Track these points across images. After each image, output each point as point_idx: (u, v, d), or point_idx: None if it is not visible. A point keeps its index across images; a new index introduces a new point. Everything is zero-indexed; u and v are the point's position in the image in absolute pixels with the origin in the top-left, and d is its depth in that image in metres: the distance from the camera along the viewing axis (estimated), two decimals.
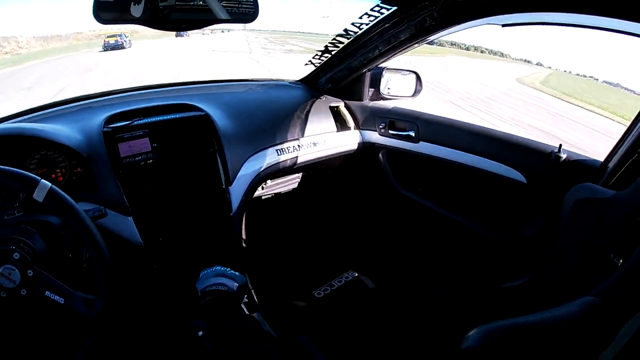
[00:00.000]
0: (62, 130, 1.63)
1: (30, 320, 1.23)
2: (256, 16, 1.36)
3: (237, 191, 1.87)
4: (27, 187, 1.04)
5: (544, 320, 0.79)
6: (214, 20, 1.32)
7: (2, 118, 1.84)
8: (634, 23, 1.29)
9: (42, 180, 1.05)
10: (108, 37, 30.03)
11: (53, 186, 1.06)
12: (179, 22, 1.30)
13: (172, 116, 1.82)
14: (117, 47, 29.20)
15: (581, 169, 1.68)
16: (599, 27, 1.43)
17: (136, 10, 1.19)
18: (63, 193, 1.07)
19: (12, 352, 1.30)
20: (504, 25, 1.68)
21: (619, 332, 0.71)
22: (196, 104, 1.92)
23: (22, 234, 1.11)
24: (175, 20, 1.28)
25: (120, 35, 29.92)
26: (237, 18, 1.36)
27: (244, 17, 1.35)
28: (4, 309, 1.08)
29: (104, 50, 28.65)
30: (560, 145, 1.71)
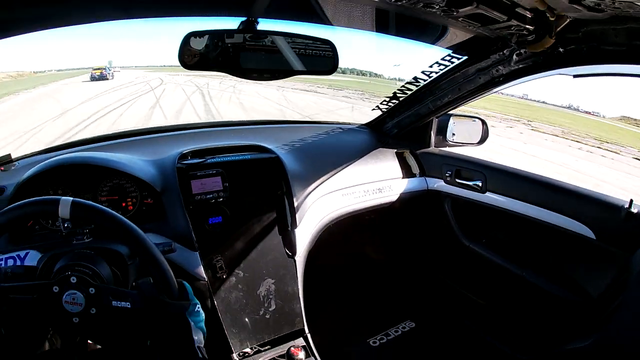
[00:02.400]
0: (136, 163, 1.70)
1: (113, 332, 1.23)
2: (335, 69, 1.40)
3: (302, 234, 1.88)
4: (51, 207, 1.05)
5: None
6: (294, 71, 1.35)
7: (78, 142, 1.97)
8: None
9: (63, 197, 1.06)
10: (94, 69, 33.78)
11: (76, 199, 1.06)
12: (260, 72, 1.36)
13: (244, 157, 1.87)
14: (102, 78, 32.83)
15: None
16: None
17: (210, 47, 1.25)
18: (89, 202, 1.08)
19: None
20: (575, 76, 1.69)
21: None
22: (267, 146, 1.97)
23: (86, 259, 1.13)
24: (256, 70, 1.35)
25: (104, 68, 33.62)
26: (316, 70, 1.41)
27: (322, 69, 1.40)
28: (85, 331, 1.13)
29: (91, 81, 32.08)
30: (631, 200, 1.64)
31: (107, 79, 32.90)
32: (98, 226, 1.18)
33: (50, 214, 1.06)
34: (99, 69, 33.60)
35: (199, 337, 1.15)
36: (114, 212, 1.09)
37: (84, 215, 1.08)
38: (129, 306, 1.05)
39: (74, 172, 1.58)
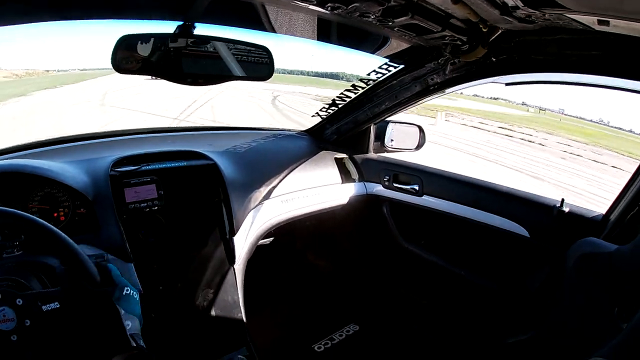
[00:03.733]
0: (68, 171, 1.62)
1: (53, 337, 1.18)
2: (271, 75, 1.40)
3: (241, 241, 1.85)
4: None
5: None
6: (230, 76, 1.34)
7: (6, 149, 1.83)
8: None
9: None
10: None
11: None
12: (195, 77, 1.33)
13: (180, 164, 1.82)
14: None
15: (583, 222, 1.70)
16: (598, 85, 1.51)
17: (145, 51, 1.23)
18: None
19: None
20: (507, 84, 1.76)
21: None
22: (204, 152, 1.92)
23: (16, 273, 1.07)
24: (192, 75, 1.32)
25: None
26: (252, 76, 1.39)
27: (259, 75, 1.40)
28: (23, 346, 1.06)
29: None
30: (563, 199, 1.73)
31: None
32: (6, 228, 1.11)
33: None
34: None
35: (132, 324, 1.07)
36: (9, 208, 1.03)
37: None
38: (58, 305, 0.99)
39: (2, 181, 1.48)
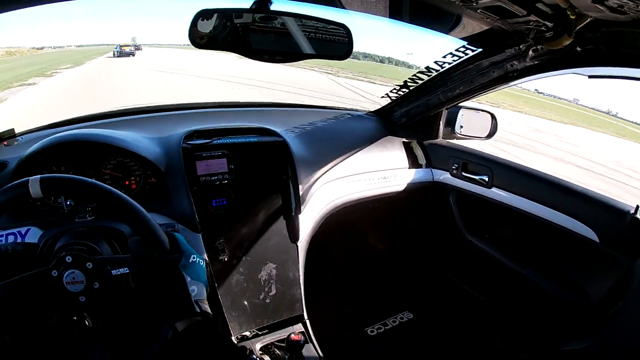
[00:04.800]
0: (141, 141, 1.68)
1: (121, 301, 1.21)
2: (349, 54, 1.37)
3: (306, 219, 1.88)
4: (22, 189, 1.01)
5: None
6: (307, 54, 1.33)
7: (81, 118, 1.95)
8: None
9: (32, 177, 1.02)
10: (123, 45, 34.85)
11: (43, 175, 1.02)
12: (273, 54, 1.32)
13: (251, 139, 1.85)
14: (130, 54, 34.21)
15: None
16: None
17: (224, 27, 1.23)
18: (56, 174, 1.08)
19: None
20: (590, 77, 1.66)
21: None
22: (274, 129, 1.95)
23: (87, 238, 1.12)
24: (269, 52, 1.31)
25: (132, 46, 34.90)
26: (330, 54, 1.38)
27: (336, 54, 1.37)
28: (91, 307, 1.12)
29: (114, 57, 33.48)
30: (638, 205, 1.62)
31: (134, 55, 33.91)
32: (81, 197, 1.17)
33: (24, 197, 1.03)
34: (126, 45, 34.44)
35: (198, 290, 1.10)
36: (85, 177, 1.06)
37: (56, 188, 1.05)
38: (127, 271, 1.04)
39: (77, 149, 1.56)
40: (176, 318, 1.01)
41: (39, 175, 1.02)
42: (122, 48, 34.02)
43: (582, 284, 1.85)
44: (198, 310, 1.05)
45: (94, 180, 1.06)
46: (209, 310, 1.09)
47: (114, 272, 1.03)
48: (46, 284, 1.00)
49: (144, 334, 1.31)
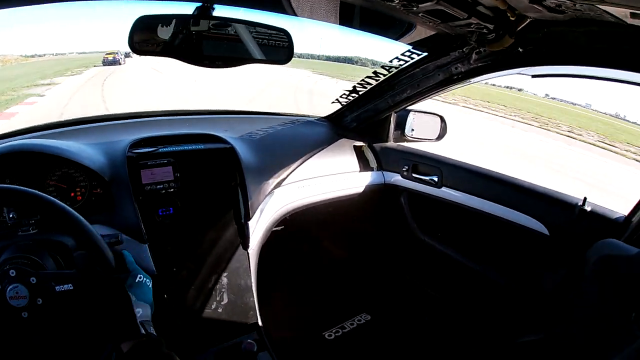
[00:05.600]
0: (85, 151, 1.63)
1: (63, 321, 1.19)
2: (290, 59, 1.38)
3: (256, 226, 1.85)
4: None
5: None
6: (248, 59, 1.33)
7: (27, 129, 1.86)
8: None
9: None
10: (107, 54, 32.58)
11: None
12: (213, 59, 1.31)
13: (197, 146, 1.82)
14: (115, 62, 31.74)
15: (604, 222, 1.65)
16: (627, 81, 1.46)
17: (163, 32, 1.22)
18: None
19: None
20: (534, 76, 1.70)
21: None
22: (221, 136, 1.92)
23: (30, 252, 1.08)
24: (210, 57, 1.30)
25: (116, 53, 32.37)
26: (271, 59, 1.37)
27: (277, 58, 1.37)
28: (33, 324, 1.07)
29: (103, 65, 31.04)
30: (585, 198, 1.68)
31: (120, 64, 31.77)
32: (23, 208, 1.13)
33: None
34: (111, 53, 32.39)
35: (143, 311, 1.09)
36: (27, 188, 1.04)
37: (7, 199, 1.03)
38: (72, 287, 1.00)
39: (20, 160, 1.50)
40: (120, 339, 0.99)
41: None
42: (106, 57, 32.60)
43: (535, 276, 1.90)
44: (143, 331, 1.03)
45: (36, 191, 1.04)
46: (153, 331, 1.07)
47: (57, 288, 0.99)
48: None
49: (86, 354, 1.24)
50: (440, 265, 2.31)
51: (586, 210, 1.66)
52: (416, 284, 2.56)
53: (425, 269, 2.49)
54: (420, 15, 1.42)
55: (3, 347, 1.05)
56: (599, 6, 1.09)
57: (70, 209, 1.03)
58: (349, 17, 1.66)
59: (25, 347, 1.08)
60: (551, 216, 1.78)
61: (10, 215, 1.24)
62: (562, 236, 1.75)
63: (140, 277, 1.11)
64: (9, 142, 1.60)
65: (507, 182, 1.97)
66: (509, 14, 1.33)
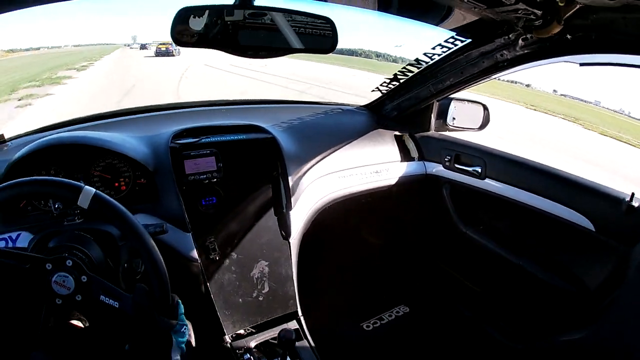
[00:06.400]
0: (129, 142, 1.67)
1: (91, 321, 1.24)
2: (334, 47, 1.36)
3: (297, 216, 1.87)
4: (71, 194, 1.02)
5: None
6: (290, 49, 1.32)
7: (71, 121, 1.93)
8: None
9: (87, 186, 1.04)
10: (160, 44, 33.51)
11: (98, 192, 1.04)
12: (256, 50, 1.32)
13: (239, 137, 1.84)
14: (168, 53, 32.43)
15: None
16: None
17: (202, 24, 1.22)
18: (110, 199, 1.06)
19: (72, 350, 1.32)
20: (582, 64, 1.65)
21: None
22: (263, 126, 1.93)
23: (79, 241, 1.13)
24: (253, 47, 1.31)
25: (170, 44, 32.31)
26: (313, 48, 1.36)
27: (321, 46, 1.36)
28: (65, 312, 1.12)
29: (155, 56, 32.07)
30: (633, 193, 1.61)
31: (173, 55, 32.47)
32: (110, 223, 1.16)
33: (69, 200, 1.03)
34: (164, 44, 33.15)
35: (177, 357, 1.13)
36: (131, 215, 1.07)
37: (100, 210, 1.05)
38: (117, 306, 1.04)
39: (66, 152, 1.54)
40: None
41: (93, 189, 1.04)
42: (159, 47, 33.26)
43: (578, 273, 1.85)
44: None
45: (135, 222, 1.07)
46: None
47: (102, 297, 1.04)
48: (35, 271, 1.00)
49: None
50: (481, 258, 2.27)
51: (634, 206, 1.59)
52: (456, 277, 2.53)
53: (465, 262, 2.46)
54: (466, 0, 1.40)
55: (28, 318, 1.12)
56: None
57: (151, 242, 1.08)
58: (387, 2, 1.64)
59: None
60: (597, 211, 1.72)
61: (56, 206, 1.30)
62: (608, 232, 1.69)
63: (185, 327, 1.15)
64: (54, 134, 1.65)
65: (553, 174, 1.91)
66: (557, 0, 1.30)
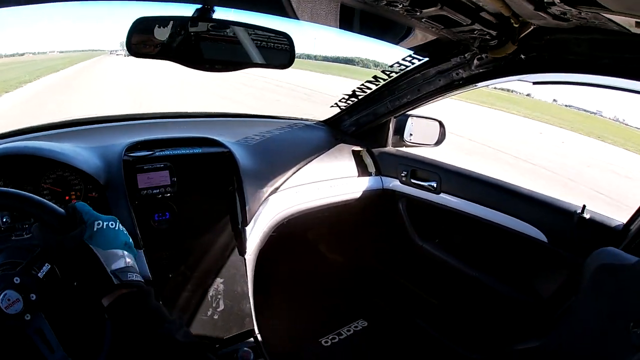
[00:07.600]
0: (81, 154, 1.60)
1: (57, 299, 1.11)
2: (292, 63, 1.36)
3: (253, 232, 1.83)
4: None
5: None
6: (249, 63, 1.31)
7: (22, 130, 1.83)
8: None
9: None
10: None
11: None
12: (212, 62, 1.30)
13: (195, 150, 1.80)
14: None
15: (603, 230, 1.64)
16: (630, 89, 1.45)
17: (161, 35, 1.19)
18: None
19: None
20: (535, 83, 1.70)
21: None
22: (220, 140, 1.89)
23: (18, 256, 1.06)
24: (209, 60, 1.29)
25: None
26: (272, 63, 1.36)
27: (278, 62, 1.36)
28: (37, 321, 1.01)
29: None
30: (584, 205, 1.67)
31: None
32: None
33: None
34: None
35: (113, 259, 0.96)
36: (12, 189, 0.98)
37: None
38: (49, 266, 0.95)
39: (14, 163, 1.46)
40: (99, 296, 0.93)
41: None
42: None
43: (533, 284, 1.90)
44: (117, 282, 0.93)
45: (23, 192, 0.98)
46: (134, 277, 0.98)
47: (39, 274, 0.94)
48: None
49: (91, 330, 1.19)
50: (437, 271, 2.30)
51: (585, 217, 1.65)
52: (413, 291, 2.54)
53: (422, 276, 2.48)
54: (423, 20, 1.41)
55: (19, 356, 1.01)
56: (604, 14, 1.09)
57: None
58: (349, 21, 1.65)
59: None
60: (550, 223, 1.77)
61: (4, 220, 1.22)
62: (561, 244, 1.74)
63: (99, 224, 0.98)
64: (2, 143, 1.58)
65: (506, 188, 1.96)
66: (512, 21, 1.33)
